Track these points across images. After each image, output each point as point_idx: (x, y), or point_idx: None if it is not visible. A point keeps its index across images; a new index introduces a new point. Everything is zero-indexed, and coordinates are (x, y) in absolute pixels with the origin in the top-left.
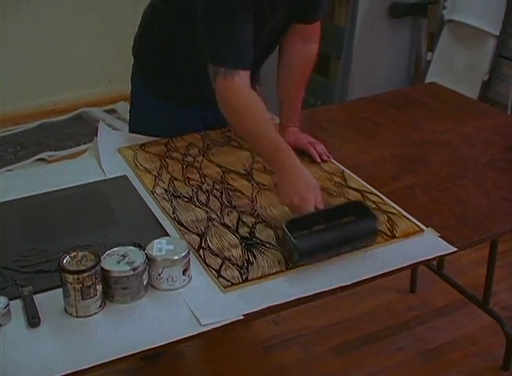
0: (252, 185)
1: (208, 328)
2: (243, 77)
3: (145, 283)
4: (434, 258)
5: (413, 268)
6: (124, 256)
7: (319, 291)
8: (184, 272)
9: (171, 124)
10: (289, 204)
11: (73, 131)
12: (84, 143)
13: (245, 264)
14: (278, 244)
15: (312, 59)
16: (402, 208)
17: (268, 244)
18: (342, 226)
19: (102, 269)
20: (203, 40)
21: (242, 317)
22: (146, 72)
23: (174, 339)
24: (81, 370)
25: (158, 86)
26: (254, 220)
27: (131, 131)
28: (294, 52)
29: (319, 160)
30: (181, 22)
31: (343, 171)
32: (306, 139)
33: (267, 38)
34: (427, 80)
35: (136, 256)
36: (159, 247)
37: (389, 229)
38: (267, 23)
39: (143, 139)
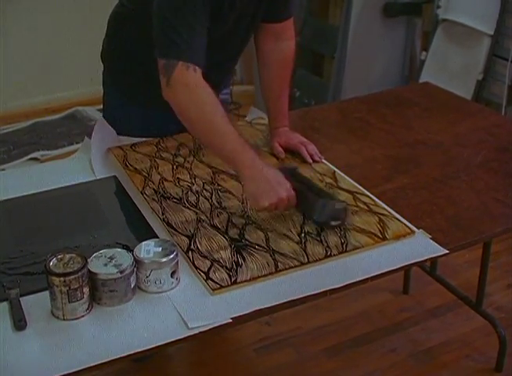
0: (242, 186)
1: (196, 331)
2: (198, 74)
3: (132, 286)
4: (425, 261)
5: (405, 270)
6: (111, 258)
7: (308, 294)
8: (172, 274)
9: (145, 128)
10: (278, 202)
11: (66, 131)
12: (77, 143)
13: (234, 266)
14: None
15: (289, 56)
16: (394, 210)
17: (258, 245)
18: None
19: (89, 271)
20: (158, 34)
21: (230, 320)
22: (116, 77)
23: (162, 343)
24: (68, 374)
25: (129, 91)
26: (243, 221)
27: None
28: (269, 52)
29: (311, 161)
30: (146, 25)
31: (334, 171)
32: (298, 139)
33: (233, 39)
34: (422, 79)
35: (124, 258)
36: (147, 249)
37: (380, 230)
38: (226, 24)
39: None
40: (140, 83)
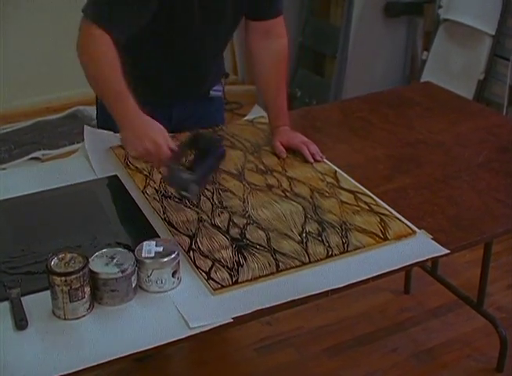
0: (244, 185)
1: (197, 331)
2: (107, 39)
3: (134, 286)
4: (426, 261)
5: (406, 270)
6: (112, 258)
7: (310, 294)
8: (173, 274)
9: None
10: (142, 152)
11: (67, 130)
12: (79, 142)
13: (235, 266)
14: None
15: (281, 53)
16: (395, 210)
17: (259, 245)
18: (205, 155)
19: (90, 271)
20: None
21: (231, 320)
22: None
23: (163, 342)
24: (69, 374)
25: None
26: (245, 221)
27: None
28: (261, 50)
29: (312, 161)
30: (148, 39)
31: (335, 171)
32: (299, 138)
33: (202, 31)
34: (423, 79)
35: (125, 258)
36: (148, 249)
37: (381, 230)
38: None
39: None
40: (130, 81)
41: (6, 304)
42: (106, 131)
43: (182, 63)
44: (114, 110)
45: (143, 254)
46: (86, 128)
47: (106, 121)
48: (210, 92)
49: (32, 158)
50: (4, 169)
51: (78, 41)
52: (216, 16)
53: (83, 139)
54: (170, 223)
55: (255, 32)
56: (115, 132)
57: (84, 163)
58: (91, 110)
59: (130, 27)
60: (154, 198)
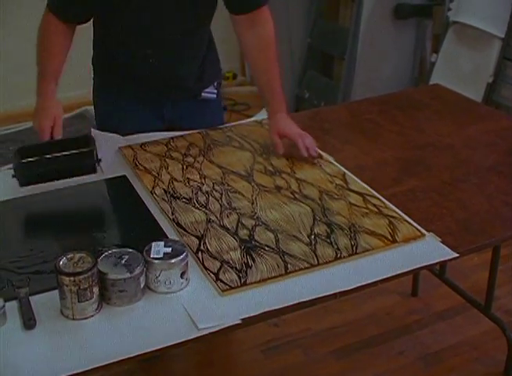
0: (252, 186)
1: (205, 332)
2: (55, 22)
3: (142, 286)
4: (435, 264)
5: (414, 273)
6: (121, 258)
7: (318, 296)
8: (182, 275)
9: (131, 123)
10: (34, 129)
11: (75, 130)
12: None
13: (244, 267)
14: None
15: (267, 40)
16: (404, 212)
17: (268, 247)
18: (63, 158)
19: (98, 271)
20: None
21: (240, 322)
22: (101, 75)
23: (171, 343)
24: (76, 374)
25: (114, 87)
26: (253, 222)
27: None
28: (246, 40)
29: (306, 154)
30: (109, 25)
31: (344, 173)
32: (295, 129)
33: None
34: (432, 81)
35: (134, 258)
36: (157, 250)
37: (390, 233)
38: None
39: (139, 139)
40: (122, 80)
41: (15, 303)
42: (113, 134)
43: (158, 54)
44: (37, 86)
45: (152, 255)
46: (94, 131)
47: (103, 120)
48: (202, 94)
49: None
50: (11, 169)
51: (41, 21)
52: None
53: None
54: (178, 224)
55: (239, 23)
56: (113, 131)
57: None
58: None
59: (79, 11)
60: (163, 199)
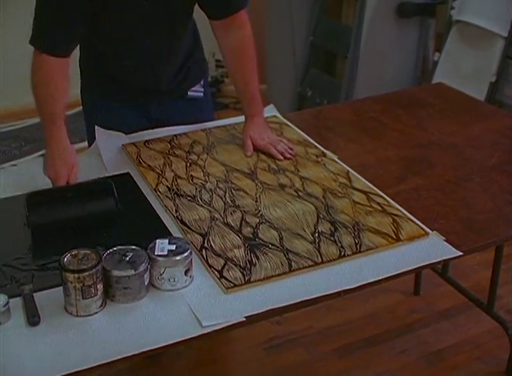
0: (256, 184)
1: (209, 330)
2: (53, 59)
3: (146, 283)
4: (439, 263)
5: (418, 271)
6: (125, 255)
7: (322, 294)
8: (186, 272)
9: (118, 123)
10: (48, 176)
11: (78, 127)
12: None
13: (248, 265)
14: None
15: (244, 44)
16: (407, 211)
17: (272, 245)
18: (80, 203)
19: (103, 268)
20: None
21: (244, 319)
22: (87, 77)
23: (175, 340)
24: (80, 371)
25: (100, 88)
26: (257, 220)
27: (87, 130)
28: (224, 44)
29: (281, 158)
30: (94, 37)
31: (348, 171)
32: (268, 138)
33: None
34: (434, 80)
35: (138, 256)
36: (161, 247)
37: (394, 231)
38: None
39: (142, 136)
40: (107, 82)
41: (19, 300)
42: (117, 132)
43: (135, 60)
44: (45, 130)
45: (156, 252)
46: (97, 129)
47: (91, 120)
48: (189, 93)
49: (42, 155)
50: (15, 165)
51: (32, 64)
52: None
53: (94, 137)
54: (182, 221)
55: (216, 27)
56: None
57: (97, 160)
58: None
59: (68, 41)
60: (167, 196)
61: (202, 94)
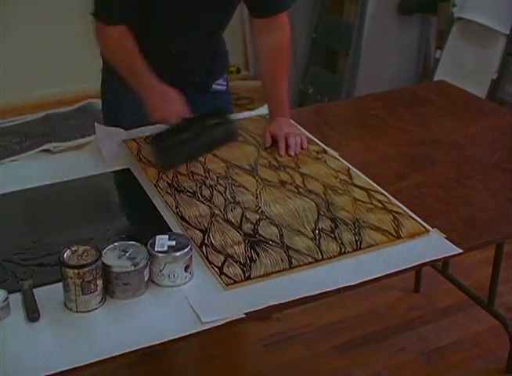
0: (257, 181)
1: (209, 326)
2: (117, 28)
3: (146, 279)
4: (439, 260)
5: (418, 269)
6: (125, 251)
7: (322, 291)
8: (186, 268)
9: (144, 118)
10: (158, 118)
11: (78, 123)
12: (89, 135)
13: (248, 262)
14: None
15: (281, 46)
16: (408, 208)
17: (272, 241)
18: (202, 133)
19: (103, 264)
20: None
21: (244, 316)
22: (112, 69)
23: (175, 337)
24: (80, 366)
25: (126, 82)
26: (257, 217)
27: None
28: (261, 43)
29: (283, 154)
30: (141, 24)
31: (349, 168)
32: (287, 130)
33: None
34: (436, 78)
35: (138, 251)
36: (161, 243)
37: (394, 229)
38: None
39: (142, 132)
40: None
41: (18, 295)
42: (117, 128)
43: (171, 54)
44: (140, 81)
45: (156, 248)
46: (97, 125)
47: (111, 116)
48: (213, 86)
49: (43, 150)
50: (15, 161)
51: (96, 40)
52: (198, 5)
53: (94, 133)
54: (182, 217)
55: (257, 26)
56: (122, 127)
57: (97, 156)
58: None
59: (128, 12)
60: (167, 192)
61: (225, 87)
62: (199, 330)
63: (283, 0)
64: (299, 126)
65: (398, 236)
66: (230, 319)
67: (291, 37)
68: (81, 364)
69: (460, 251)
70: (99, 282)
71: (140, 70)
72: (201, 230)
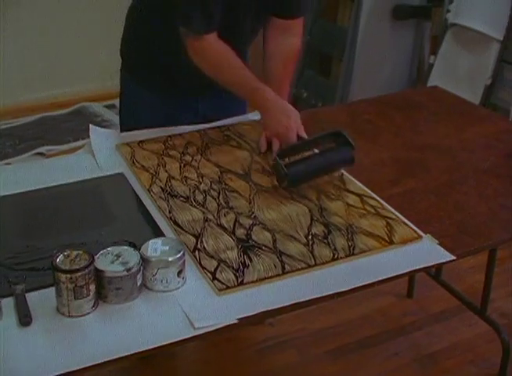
0: (250, 186)
1: (202, 331)
2: (211, 35)
3: (138, 284)
4: (432, 266)
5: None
6: (118, 256)
7: (315, 297)
8: (179, 273)
9: (164, 119)
10: (275, 134)
11: (72, 126)
12: (83, 138)
13: (241, 267)
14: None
15: (292, 52)
16: (401, 214)
17: (265, 246)
18: (325, 153)
19: (95, 268)
20: (176, 4)
21: (236, 321)
22: (135, 71)
23: (167, 342)
24: (72, 371)
25: (148, 83)
26: (251, 222)
27: (124, 129)
28: (274, 45)
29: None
30: (160, 18)
31: (342, 174)
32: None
33: (242, 24)
34: (430, 83)
35: (130, 256)
36: (154, 248)
37: (387, 234)
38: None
39: (137, 135)
40: (158, 76)
41: (10, 300)
42: (111, 130)
43: None
44: (255, 96)
45: (149, 253)
46: (91, 127)
47: (129, 116)
48: None
49: (36, 153)
50: (9, 164)
51: (193, 54)
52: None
53: (88, 136)
54: (175, 222)
55: (274, 27)
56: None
57: (90, 160)
58: (96, 107)
59: (218, 18)
60: (160, 197)
61: None
62: (191, 335)
63: (306, 5)
64: None
65: (391, 242)
66: (223, 325)
67: (300, 46)
68: (74, 369)
69: (453, 257)
70: (92, 287)
71: (253, 83)
72: (194, 235)
